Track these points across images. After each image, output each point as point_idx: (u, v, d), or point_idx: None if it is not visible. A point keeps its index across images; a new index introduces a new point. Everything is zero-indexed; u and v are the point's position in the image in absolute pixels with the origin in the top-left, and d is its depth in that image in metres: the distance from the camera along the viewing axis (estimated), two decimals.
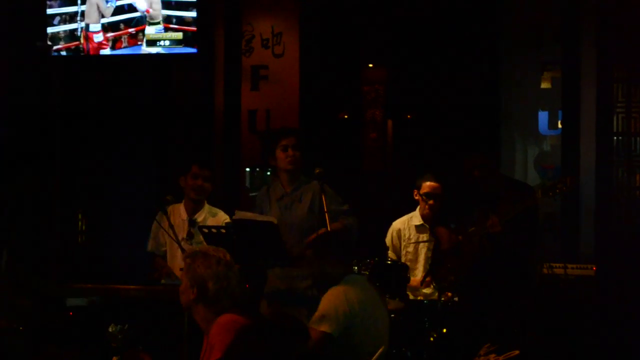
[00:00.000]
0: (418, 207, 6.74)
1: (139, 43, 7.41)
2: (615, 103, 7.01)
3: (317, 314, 4.60)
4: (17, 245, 5.38)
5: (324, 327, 4.54)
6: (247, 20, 8.68)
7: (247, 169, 8.78)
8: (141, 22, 7.41)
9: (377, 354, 4.43)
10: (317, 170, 5.55)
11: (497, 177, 5.91)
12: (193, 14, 7.28)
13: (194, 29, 7.27)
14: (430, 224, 6.54)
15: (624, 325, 6.36)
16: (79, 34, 7.52)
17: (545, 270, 6.43)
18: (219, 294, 3.93)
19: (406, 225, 6.76)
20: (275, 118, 8.55)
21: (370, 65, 10.76)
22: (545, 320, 6.15)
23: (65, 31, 7.54)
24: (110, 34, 7.46)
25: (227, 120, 8.55)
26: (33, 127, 7.64)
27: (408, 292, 6.27)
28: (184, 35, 7.31)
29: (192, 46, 7.29)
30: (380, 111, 10.81)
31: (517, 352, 4.18)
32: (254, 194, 6.40)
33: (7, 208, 5.32)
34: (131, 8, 7.44)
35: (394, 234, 6.78)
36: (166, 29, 7.33)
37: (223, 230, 5.40)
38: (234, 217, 5.45)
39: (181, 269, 5.24)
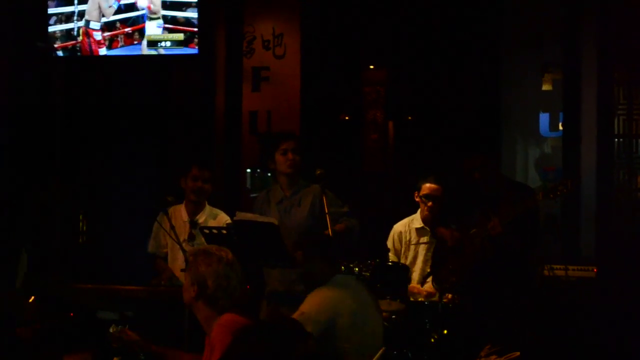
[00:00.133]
0: (419, 210, 6.73)
1: (135, 42, 7.42)
2: (616, 105, 7.00)
3: (297, 312, 4.59)
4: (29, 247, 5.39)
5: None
6: (248, 21, 8.68)
7: (248, 170, 8.77)
8: (137, 21, 7.41)
9: (377, 355, 4.42)
10: (318, 172, 5.57)
11: (498, 178, 5.90)
12: (194, 14, 7.28)
13: (195, 29, 7.27)
14: (430, 225, 6.54)
15: (625, 326, 6.35)
16: (75, 33, 7.52)
17: (546, 272, 6.43)
18: (219, 292, 3.96)
19: (407, 227, 6.75)
20: (276, 119, 8.55)
21: (371, 66, 10.76)
22: (546, 321, 6.15)
23: (61, 31, 7.55)
24: (107, 34, 7.46)
25: (227, 122, 8.56)
26: (34, 128, 7.64)
27: (409, 294, 6.27)
28: (185, 36, 7.32)
29: (193, 47, 7.30)
30: (381, 112, 10.80)
31: (517, 353, 4.19)
32: (254, 195, 6.41)
33: (31, 213, 5.35)
34: (128, 7, 7.45)
35: (395, 236, 6.77)
36: (167, 30, 7.34)
37: (224, 231, 5.41)
38: (234, 218, 5.45)
39: (182, 270, 5.26)
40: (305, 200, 5.65)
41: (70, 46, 7.54)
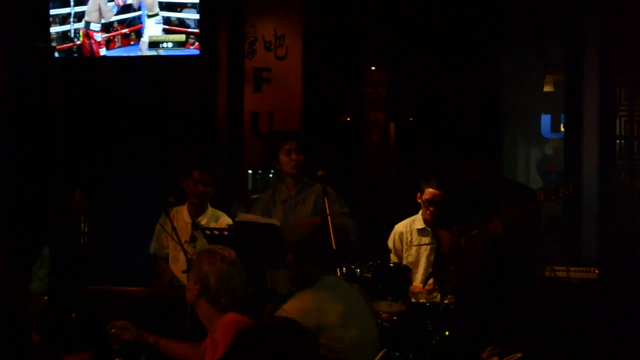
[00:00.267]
0: (420, 211, 6.73)
1: (132, 43, 7.43)
2: (618, 106, 7.00)
3: (280, 310, 4.57)
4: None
5: None
6: (250, 22, 8.69)
7: (250, 171, 8.77)
8: (134, 22, 7.42)
9: (379, 355, 4.41)
10: (320, 173, 5.60)
11: (499, 179, 5.90)
12: (196, 16, 7.29)
13: (197, 31, 7.28)
14: (432, 227, 6.53)
15: (626, 327, 6.34)
16: (72, 35, 7.53)
17: (547, 273, 6.42)
18: (221, 290, 3.99)
19: (408, 228, 6.75)
20: (278, 120, 8.56)
21: (373, 67, 10.77)
22: (548, 322, 6.14)
23: (57, 33, 7.56)
24: (104, 35, 7.48)
25: (229, 123, 8.56)
26: (35, 129, 7.64)
27: (410, 295, 6.26)
28: (186, 37, 7.32)
29: (194, 48, 7.30)
30: (382, 114, 10.81)
31: (519, 354, 4.18)
32: (256, 196, 6.41)
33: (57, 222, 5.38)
34: (125, 8, 7.46)
35: (396, 237, 6.77)
36: (166, 31, 7.34)
37: (226, 233, 5.42)
38: (236, 220, 5.47)
39: (183, 271, 5.28)
40: (309, 198, 5.70)
41: (66, 48, 7.54)
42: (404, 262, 6.61)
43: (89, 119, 8.07)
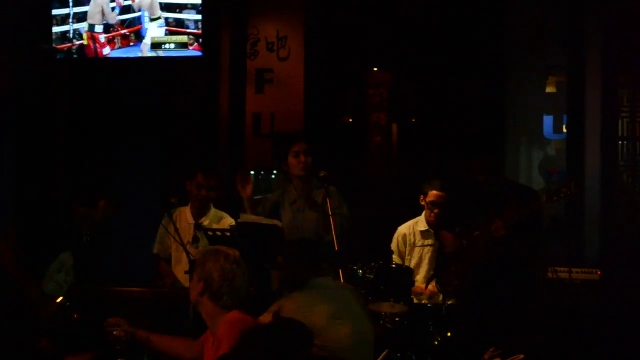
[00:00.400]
0: (423, 212, 6.73)
1: (132, 44, 7.43)
2: (620, 107, 7.00)
3: (267, 312, 4.57)
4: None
5: None
6: (252, 23, 8.69)
7: (252, 172, 8.77)
8: (134, 23, 7.43)
9: (381, 356, 4.42)
10: (322, 174, 5.63)
11: (502, 181, 5.90)
12: (196, 17, 7.29)
13: (196, 31, 7.28)
14: (435, 228, 6.53)
15: (629, 329, 6.34)
16: (71, 36, 7.54)
17: (549, 275, 6.42)
18: (224, 287, 4.04)
19: (411, 230, 6.75)
20: (280, 121, 8.56)
21: (375, 69, 10.77)
22: (550, 324, 6.14)
23: (56, 33, 7.56)
24: (106, 35, 7.48)
25: (231, 123, 8.57)
26: (37, 129, 7.65)
27: (412, 296, 6.27)
28: (188, 38, 7.33)
29: (197, 49, 7.31)
30: (384, 115, 10.81)
31: (521, 356, 4.17)
32: (258, 197, 6.41)
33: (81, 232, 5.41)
34: (124, 9, 7.46)
35: (399, 238, 6.77)
36: (173, 33, 7.35)
37: (228, 233, 5.42)
38: (238, 220, 5.48)
39: (186, 272, 5.29)
40: (317, 200, 5.70)
41: (66, 48, 7.55)
42: (407, 264, 6.62)
43: (90, 119, 8.07)
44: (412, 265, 6.59)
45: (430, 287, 6.31)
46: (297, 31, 8.67)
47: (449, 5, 9.05)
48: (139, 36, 7.43)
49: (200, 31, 7.30)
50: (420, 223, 6.73)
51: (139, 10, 7.39)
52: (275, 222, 5.50)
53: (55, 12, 7.56)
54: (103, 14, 7.48)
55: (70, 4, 7.51)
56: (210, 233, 5.46)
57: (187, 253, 5.39)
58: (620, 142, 7.00)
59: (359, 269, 5.99)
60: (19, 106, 7.47)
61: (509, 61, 9.18)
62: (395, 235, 6.80)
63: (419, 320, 5.96)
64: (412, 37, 9.52)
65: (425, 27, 9.39)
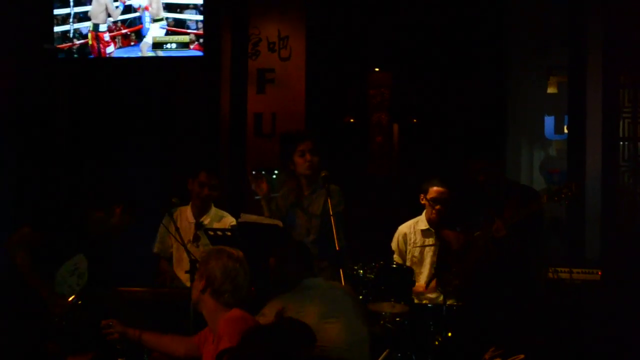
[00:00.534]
0: (424, 212, 6.73)
1: (132, 44, 7.44)
2: (622, 108, 7.00)
3: (260, 314, 4.56)
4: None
5: None
6: (254, 23, 8.69)
7: (253, 172, 8.77)
8: (135, 23, 7.43)
9: (382, 356, 4.41)
10: (323, 174, 5.61)
11: (502, 181, 5.90)
12: (197, 17, 7.29)
13: (197, 32, 7.29)
14: (436, 228, 6.54)
15: (629, 330, 6.34)
16: (71, 35, 7.54)
17: (550, 275, 6.42)
18: (226, 285, 4.08)
19: (412, 229, 6.75)
20: (281, 121, 8.56)
21: (377, 69, 10.76)
22: (550, 324, 6.14)
23: (57, 33, 7.57)
24: (109, 34, 7.49)
25: (232, 123, 8.56)
26: (39, 129, 7.65)
27: (413, 297, 6.27)
28: (189, 38, 7.33)
29: (194, 49, 7.31)
30: (386, 115, 10.81)
31: (522, 356, 4.18)
32: (258, 197, 6.41)
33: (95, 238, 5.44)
34: (125, 9, 7.47)
35: (400, 238, 6.77)
36: (174, 33, 7.35)
37: (228, 233, 5.42)
38: (239, 220, 5.48)
39: (186, 272, 5.29)
40: (320, 199, 5.70)
41: (66, 48, 7.56)
42: (408, 264, 6.62)
43: (91, 119, 8.08)
44: (412, 264, 6.60)
45: (430, 287, 6.32)
46: (299, 31, 8.67)
47: (450, 5, 9.05)
48: (140, 36, 7.44)
49: (201, 31, 7.30)
50: (421, 222, 6.73)
51: (140, 9, 7.39)
52: (276, 222, 5.50)
53: (56, 12, 7.56)
54: (107, 12, 7.48)
55: (71, 3, 7.51)
56: (211, 233, 5.46)
57: (188, 252, 5.39)
58: (621, 142, 7.00)
59: (360, 269, 5.99)
60: (20, 106, 7.47)
61: (510, 61, 9.18)
62: (396, 235, 6.80)
63: (420, 320, 5.97)
64: (413, 37, 9.51)
65: (426, 27, 9.39)
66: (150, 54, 7.42)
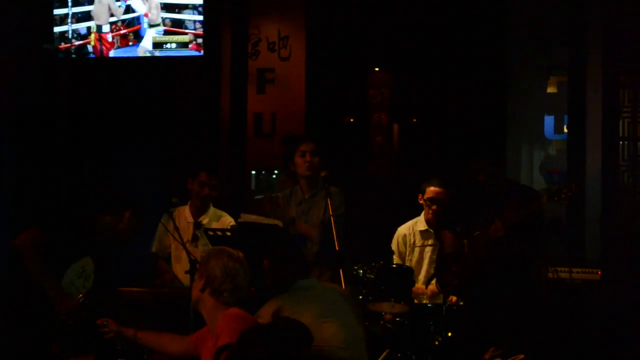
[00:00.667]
0: (423, 212, 6.73)
1: (131, 44, 7.44)
2: (622, 108, 6.99)
3: (254, 316, 4.56)
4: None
5: None
6: (254, 23, 8.70)
7: (253, 172, 8.78)
8: (133, 23, 7.43)
9: (382, 357, 4.41)
10: (323, 174, 5.62)
11: (502, 181, 5.90)
12: (196, 17, 7.29)
13: (195, 32, 7.29)
14: (435, 228, 6.53)
15: (629, 329, 6.34)
16: (70, 36, 7.55)
17: (550, 275, 6.42)
18: (225, 284, 4.11)
19: (411, 230, 6.75)
20: (281, 121, 8.57)
21: (376, 69, 10.77)
22: (550, 324, 6.14)
23: (55, 33, 7.57)
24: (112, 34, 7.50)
25: (232, 123, 8.57)
26: (39, 129, 7.65)
27: (412, 297, 6.27)
28: (189, 38, 7.33)
29: (191, 49, 7.32)
30: (386, 115, 10.82)
31: (522, 356, 4.18)
32: (259, 196, 6.41)
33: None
34: (125, 9, 7.47)
35: (399, 239, 6.77)
36: (172, 33, 7.35)
37: (228, 233, 5.42)
38: (239, 220, 5.48)
39: (186, 272, 5.30)
40: (322, 202, 5.71)
41: (65, 49, 7.56)
42: (408, 264, 6.62)
43: (91, 119, 8.07)
44: (412, 265, 6.60)
45: (430, 287, 6.31)
46: (299, 31, 8.68)
47: (450, 5, 9.05)
48: (138, 36, 7.44)
49: (199, 31, 7.30)
50: (420, 223, 6.73)
51: (139, 14, 7.40)
52: (276, 222, 5.50)
53: (54, 12, 7.56)
54: (110, 11, 7.48)
55: (69, 4, 7.52)
56: (211, 233, 5.46)
57: (188, 252, 5.39)
58: (621, 142, 6.99)
59: (360, 269, 5.99)
60: (20, 106, 7.47)
61: (510, 61, 9.18)
62: (395, 236, 6.80)
63: (420, 321, 5.96)
64: (413, 37, 9.52)
65: (426, 27, 9.40)
66: (151, 54, 7.42)
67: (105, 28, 7.47)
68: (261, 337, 3.49)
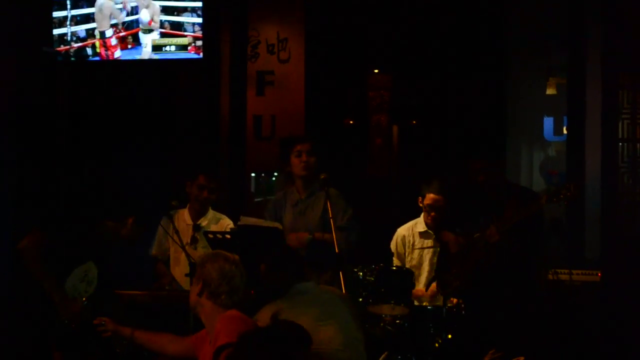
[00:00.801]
0: (422, 214, 6.73)
1: (130, 47, 7.45)
2: (621, 109, 6.98)
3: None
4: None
5: None
6: (253, 25, 8.70)
7: (253, 174, 8.78)
8: (131, 26, 7.44)
9: (380, 358, 4.41)
10: (322, 176, 5.61)
11: (502, 182, 5.90)
12: (195, 19, 7.30)
13: (198, 34, 7.29)
14: (435, 230, 6.54)
15: (629, 331, 6.34)
16: (68, 38, 7.55)
17: (550, 276, 6.42)
18: (222, 286, 4.14)
19: (411, 231, 6.75)
20: (281, 123, 8.57)
21: (376, 70, 10.77)
22: (550, 325, 6.14)
23: (54, 36, 7.58)
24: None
25: (232, 126, 8.57)
26: (39, 131, 7.66)
27: (413, 299, 6.26)
28: (188, 40, 7.34)
29: (190, 51, 7.32)
30: (385, 117, 10.83)
31: (522, 358, 4.18)
32: (259, 199, 6.40)
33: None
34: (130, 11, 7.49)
35: (399, 240, 6.77)
36: (171, 35, 7.36)
37: (228, 236, 5.42)
38: (238, 223, 5.48)
39: (186, 275, 5.30)
40: (319, 203, 5.69)
41: (63, 51, 7.57)
42: (407, 266, 6.62)
43: (91, 121, 8.08)
44: (411, 266, 6.59)
45: (430, 289, 6.32)
46: (298, 33, 8.68)
47: (450, 7, 9.06)
48: (137, 39, 7.45)
49: (198, 34, 7.31)
50: (419, 224, 6.72)
51: (144, 23, 7.41)
52: (276, 224, 5.50)
53: (53, 15, 7.57)
54: (112, 17, 7.49)
55: (68, 6, 7.52)
56: (210, 236, 5.46)
57: (188, 255, 5.39)
58: (620, 143, 6.98)
59: (360, 271, 5.98)
60: (20, 106, 7.48)
61: (510, 62, 9.18)
62: (395, 237, 6.80)
63: (420, 323, 5.96)
64: (412, 38, 9.52)
65: (426, 29, 9.40)
66: (150, 56, 7.43)
67: (109, 33, 7.48)
68: (260, 339, 3.49)
